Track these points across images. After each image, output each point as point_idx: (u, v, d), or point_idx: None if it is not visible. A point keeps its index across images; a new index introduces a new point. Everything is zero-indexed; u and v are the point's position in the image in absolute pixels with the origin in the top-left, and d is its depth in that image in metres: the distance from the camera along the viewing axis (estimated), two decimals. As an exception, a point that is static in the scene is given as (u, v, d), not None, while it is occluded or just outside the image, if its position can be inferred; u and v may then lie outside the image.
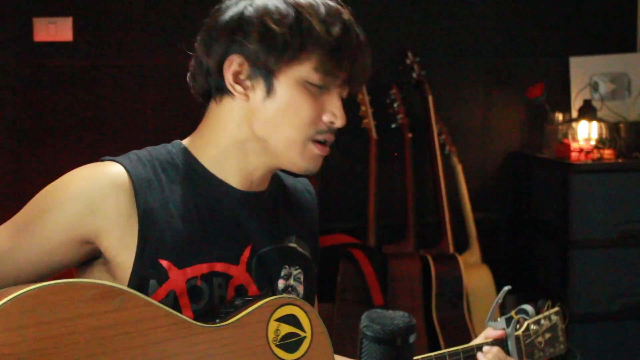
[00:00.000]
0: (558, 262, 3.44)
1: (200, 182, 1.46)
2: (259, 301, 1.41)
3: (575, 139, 3.51)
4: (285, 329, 1.43)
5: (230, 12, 1.44)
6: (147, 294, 1.37)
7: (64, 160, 3.46)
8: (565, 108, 3.72)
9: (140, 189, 1.39)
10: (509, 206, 3.85)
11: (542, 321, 1.75)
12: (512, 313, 1.68)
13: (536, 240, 3.69)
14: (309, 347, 1.45)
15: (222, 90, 1.46)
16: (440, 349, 3.31)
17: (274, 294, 1.50)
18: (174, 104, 3.54)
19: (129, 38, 3.53)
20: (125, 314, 1.27)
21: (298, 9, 1.40)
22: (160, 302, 1.37)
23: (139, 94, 3.55)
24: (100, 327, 1.23)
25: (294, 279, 1.54)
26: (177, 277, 1.39)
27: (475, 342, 1.68)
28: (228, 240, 1.46)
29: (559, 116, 3.65)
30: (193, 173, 1.46)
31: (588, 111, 3.57)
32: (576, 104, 3.70)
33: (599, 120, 3.56)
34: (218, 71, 1.44)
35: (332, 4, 1.44)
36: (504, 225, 3.87)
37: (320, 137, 1.45)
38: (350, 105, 3.65)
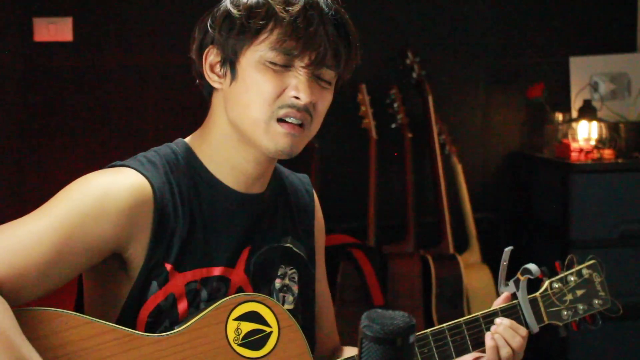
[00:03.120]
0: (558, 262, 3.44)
1: (203, 184, 1.46)
2: (215, 303, 1.39)
3: (575, 139, 3.51)
4: (247, 327, 1.40)
5: (204, 15, 1.48)
6: (147, 294, 1.38)
7: (65, 160, 3.46)
8: (565, 108, 3.72)
9: (159, 200, 1.38)
10: (509, 206, 3.85)
11: (570, 277, 1.67)
12: (518, 274, 1.62)
13: (536, 240, 3.69)
14: (277, 342, 1.43)
15: (210, 86, 1.48)
16: (440, 349, 3.32)
17: (270, 294, 1.50)
18: (174, 103, 3.54)
19: (129, 38, 3.53)
20: (68, 334, 1.26)
21: None
22: (159, 304, 1.38)
23: (139, 94, 3.55)
24: (47, 349, 1.23)
25: (289, 279, 1.53)
26: (177, 281, 1.40)
27: (483, 312, 1.60)
28: (227, 244, 1.46)
29: (559, 116, 3.65)
30: (195, 175, 1.46)
31: (588, 111, 3.57)
32: (576, 104, 3.70)
33: (599, 120, 3.56)
34: (201, 66, 1.47)
35: None
36: (504, 225, 3.87)
37: (282, 113, 1.40)
38: (350, 105, 3.68)
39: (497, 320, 1.57)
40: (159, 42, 3.54)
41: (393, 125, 3.59)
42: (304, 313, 1.56)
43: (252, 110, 1.40)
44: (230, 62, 1.42)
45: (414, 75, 3.61)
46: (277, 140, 1.41)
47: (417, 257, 3.48)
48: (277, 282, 1.51)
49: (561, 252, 3.42)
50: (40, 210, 1.33)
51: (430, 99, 3.59)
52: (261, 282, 1.49)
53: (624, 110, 3.70)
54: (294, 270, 1.54)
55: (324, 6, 1.42)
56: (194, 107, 3.56)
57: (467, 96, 3.83)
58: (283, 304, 1.50)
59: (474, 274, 3.54)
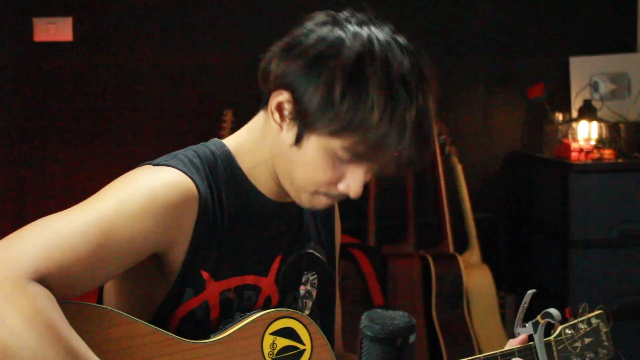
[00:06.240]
0: (558, 262, 3.44)
1: (241, 192, 1.43)
2: (254, 315, 1.40)
3: (575, 139, 3.51)
4: (282, 342, 1.41)
5: (315, 45, 1.34)
6: (181, 300, 1.37)
7: (64, 160, 3.46)
8: (565, 108, 3.73)
9: (203, 203, 1.35)
10: (509, 206, 3.85)
11: (580, 325, 1.69)
12: (538, 317, 1.63)
13: (536, 241, 3.69)
14: None
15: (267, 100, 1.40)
16: (440, 349, 3.32)
17: (295, 301, 1.50)
18: (174, 103, 3.54)
19: (129, 38, 3.53)
20: (113, 332, 1.26)
21: (373, 82, 1.29)
22: (192, 311, 1.38)
23: (139, 94, 3.55)
24: (91, 346, 1.22)
25: (310, 284, 1.54)
26: (213, 289, 1.39)
27: (501, 350, 1.61)
28: (260, 253, 1.45)
29: (559, 116, 3.65)
30: (234, 181, 1.42)
31: (588, 111, 3.57)
32: (576, 104, 3.70)
33: (599, 120, 3.56)
34: (269, 89, 1.38)
35: (412, 89, 1.32)
36: (504, 225, 3.87)
37: (329, 193, 1.39)
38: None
39: None
40: (159, 42, 3.54)
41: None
42: (322, 317, 1.56)
43: (300, 182, 1.38)
44: (300, 128, 1.35)
45: (414, 75, 3.60)
46: (316, 205, 1.41)
47: (417, 257, 3.48)
48: (302, 290, 1.52)
49: (561, 252, 3.42)
50: (85, 206, 1.29)
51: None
52: (288, 291, 1.50)
53: (624, 110, 3.70)
54: (315, 275, 1.55)
55: (424, 117, 1.34)
56: (194, 107, 3.58)
57: (467, 96, 3.84)
58: (304, 310, 1.51)
59: (474, 274, 3.54)
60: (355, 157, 1.34)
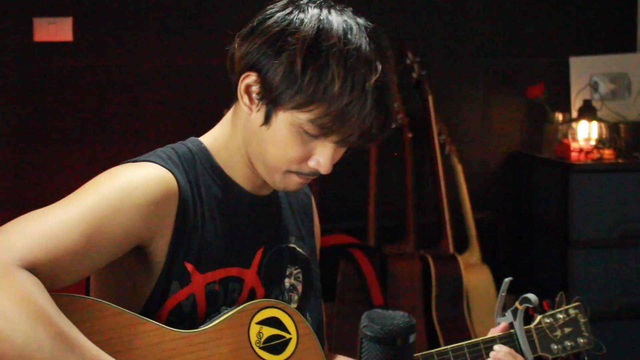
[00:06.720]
0: (558, 262, 3.44)
1: (219, 185, 1.47)
2: (240, 305, 1.43)
3: (575, 139, 3.51)
4: (268, 331, 1.45)
5: (276, 25, 1.40)
6: (168, 293, 1.40)
7: (64, 160, 3.46)
8: (565, 108, 3.72)
9: (183, 195, 1.40)
10: (509, 206, 3.85)
11: (559, 315, 1.73)
12: (517, 304, 1.67)
13: (536, 240, 3.69)
14: (295, 349, 1.46)
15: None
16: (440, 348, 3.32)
17: (281, 294, 1.53)
18: (174, 104, 3.54)
19: (129, 38, 3.53)
20: (102, 322, 1.28)
21: (332, 55, 1.35)
22: (180, 303, 1.40)
23: (139, 94, 3.55)
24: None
25: (294, 278, 1.57)
26: (198, 281, 1.42)
27: (483, 338, 1.66)
28: (243, 245, 1.49)
29: (559, 116, 3.65)
30: (212, 175, 1.47)
31: (588, 111, 3.57)
32: (576, 104, 3.70)
33: (599, 120, 3.56)
34: (237, 74, 1.44)
35: (371, 61, 1.38)
36: (504, 225, 3.87)
37: (301, 172, 1.44)
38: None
39: (496, 347, 1.65)
40: (159, 42, 3.54)
41: (393, 125, 3.58)
42: (310, 311, 1.58)
43: (272, 161, 1.42)
44: (267, 106, 1.40)
45: (414, 75, 3.61)
46: (288, 185, 1.46)
47: (417, 257, 3.48)
48: (287, 282, 1.55)
49: (561, 252, 3.42)
50: (68, 200, 1.33)
51: (430, 99, 3.59)
52: (272, 283, 1.52)
53: (624, 110, 3.70)
54: (298, 269, 1.58)
55: (385, 96, 1.41)
56: (194, 107, 3.58)
57: (467, 96, 3.83)
58: (290, 303, 1.53)
59: (474, 274, 3.54)
60: (322, 129, 1.38)
